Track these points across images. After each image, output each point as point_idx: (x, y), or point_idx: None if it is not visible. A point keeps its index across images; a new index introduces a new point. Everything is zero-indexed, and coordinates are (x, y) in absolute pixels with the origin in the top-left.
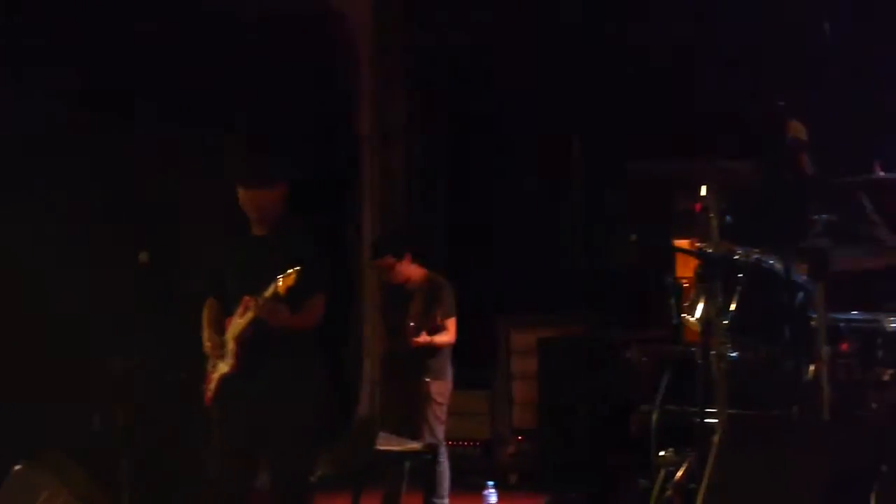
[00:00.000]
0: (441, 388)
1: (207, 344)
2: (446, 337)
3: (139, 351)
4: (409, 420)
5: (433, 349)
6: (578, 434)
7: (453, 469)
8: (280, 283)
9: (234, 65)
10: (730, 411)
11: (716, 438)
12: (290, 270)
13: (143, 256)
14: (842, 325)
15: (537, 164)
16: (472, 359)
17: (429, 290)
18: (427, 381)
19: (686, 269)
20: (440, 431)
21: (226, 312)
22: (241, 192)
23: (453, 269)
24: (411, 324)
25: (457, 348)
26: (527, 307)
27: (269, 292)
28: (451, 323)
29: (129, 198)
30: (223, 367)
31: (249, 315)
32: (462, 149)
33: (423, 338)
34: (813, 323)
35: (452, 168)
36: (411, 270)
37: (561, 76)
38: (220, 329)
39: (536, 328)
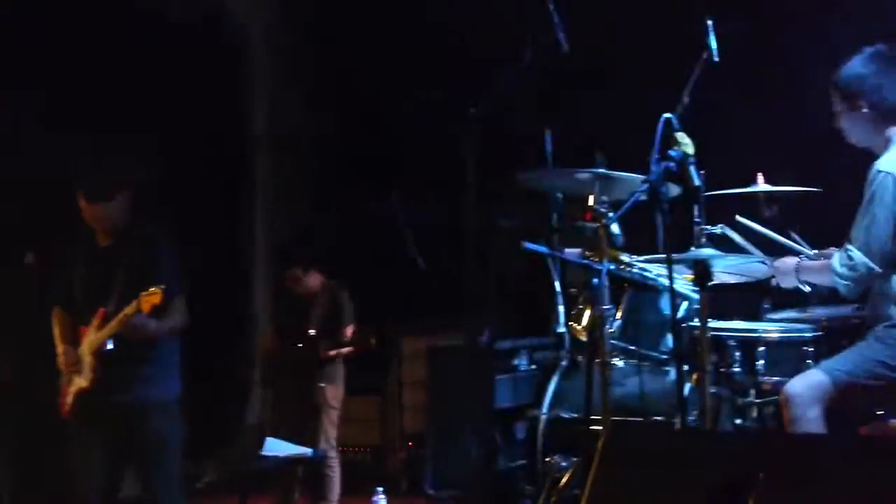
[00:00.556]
0: (335, 393)
1: (62, 359)
2: (350, 348)
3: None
4: (304, 426)
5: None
6: (466, 440)
7: (344, 475)
8: (143, 301)
9: (124, 65)
10: (614, 418)
11: (599, 445)
12: (153, 289)
13: (29, 257)
14: (724, 334)
15: (430, 170)
16: (364, 364)
17: (329, 298)
18: (322, 387)
19: (575, 278)
20: (333, 437)
21: (78, 322)
22: (82, 204)
23: (346, 274)
24: (311, 331)
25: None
26: (419, 314)
27: (131, 308)
28: (349, 331)
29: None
30: (80, 382)
31: (109, 330)
32: (356, 151)
33: (334, 352)
34: (696, 332)
35: (347, 170)
36: (313, 280)
37: (455, 80)
38: (72, 341)
39: (427, 335)
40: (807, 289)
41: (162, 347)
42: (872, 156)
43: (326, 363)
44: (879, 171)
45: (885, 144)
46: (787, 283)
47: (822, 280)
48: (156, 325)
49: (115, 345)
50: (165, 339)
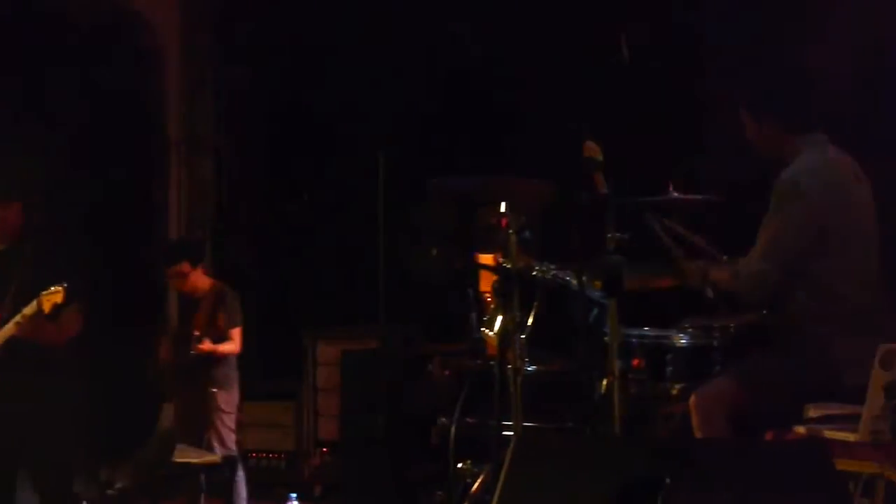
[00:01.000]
0: (228, 398)
1: None
2: (230, 346)
3: None
4: (203, 432)
5: (218, 359)
6: (379, 446)
7: (258, 481)
8: (44, 300)
9: (37, 66)
10: (525, 424)
11: (509, 451)
12: (54, 288)
13: None
14: (633, 340)
15: (345, 175)
16: (279, 370)
17: (214, 299)
18: (214, 392)
19: (488, 284)
20: (231, 441)
21: None
22: None
23: (262, 280)
24: (196, 333)
25: (264, 360)
26: (334, 319)
27: (30, 310)
28: (236, 332)
29: None
30: None
31: (5, 332)
32: (272, 155)
33: (206, 345)
34: (606, 338)
35: (263, 175)
36: (200, 279)
37: (373, 85)
38: None
39: (342, 340)
40: (710, 294)
41: (55, 353)
42: (782, 165)
43: (214, 367)
44: (785, 180)
45: (794, 153)
46: (695, 285)
47: (728, 286)
48: (55, 331)
49: (9, 349)
50: (58, 346)
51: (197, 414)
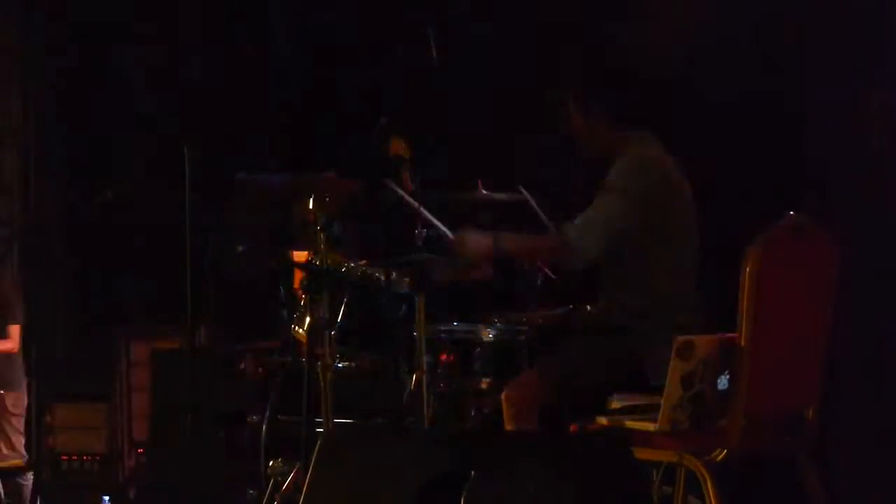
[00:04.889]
0: (16, 400)
1: None
2: (8, 344)
3: None
4: None
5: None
6: (188, 446)
7: (70, 485)
8: None
9: None
10: (336, 421)
11: (316, 447)
12: None
13: None
14: (442, 336)
15: (155, 171)
16: (91, 370)
17: None
18: (1, 394)
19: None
20: (20, 444)
21: None
22: None
23: (72, 278)
24: None
25: (75, 360)
26: (147, 318)
27: None
28: (15, 330)
29: None
30: None
31: None
32: (81, 151)
33: None
34: (414, 333)
35: (70, 170)
36: None
37: (182, 83)
38: None
39: (156, 339)
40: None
41: None
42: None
43: None
44: (612, 178)
45: (621, 149)
46: (475, 251)
47: (527, 248)
48: None
49: None
50: None
51: None
